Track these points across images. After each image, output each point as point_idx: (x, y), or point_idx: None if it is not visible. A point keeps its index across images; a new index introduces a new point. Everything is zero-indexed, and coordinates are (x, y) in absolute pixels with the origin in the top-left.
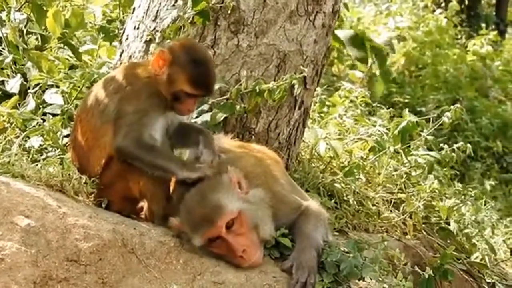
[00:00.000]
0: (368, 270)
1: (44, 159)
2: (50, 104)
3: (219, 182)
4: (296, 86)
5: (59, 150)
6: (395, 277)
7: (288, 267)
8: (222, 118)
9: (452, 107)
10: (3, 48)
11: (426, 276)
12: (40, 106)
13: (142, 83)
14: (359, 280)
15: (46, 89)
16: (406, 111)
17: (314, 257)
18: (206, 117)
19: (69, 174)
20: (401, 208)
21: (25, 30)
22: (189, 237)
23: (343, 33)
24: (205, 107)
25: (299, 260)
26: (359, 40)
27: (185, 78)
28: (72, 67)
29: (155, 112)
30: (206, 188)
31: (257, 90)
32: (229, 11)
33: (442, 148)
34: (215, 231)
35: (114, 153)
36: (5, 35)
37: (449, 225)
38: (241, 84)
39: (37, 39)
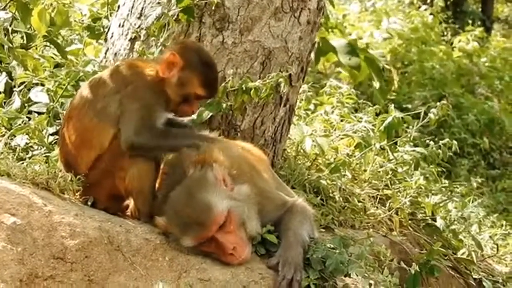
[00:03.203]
0: (354, 267)
1: (29, 157)
2: (36, 103)
3: (205, 180)
4: (282, 84)
5: (44, 148)
6: (381, 273)
7: (274, 264)
8: (208, 116)
9: (438, 103)
10: None
11: (413, 272)
12: (26, 105)
13: (144, 81)
14: (345, 276)
15: (32, 87)
16: (392, 107)
17: (300, 254)
18: (192, 115)
19: (54, 172)
20: (387, 205)
21: (10, 29)
22: (177, 237)
23: (336, 42)
24: None
25: (285, 257)
26: (352, 49)
27: (198, 81)
28: (57, 66)
29: (159, 109)
30: (192, 187)
31: (243, 88)
32: (213, 8)
33: (428, 145)
34: (207, 233)
35: (127, 150)
36: None
37: (435, 221)
38: (227, 82)
39: (22, 37)
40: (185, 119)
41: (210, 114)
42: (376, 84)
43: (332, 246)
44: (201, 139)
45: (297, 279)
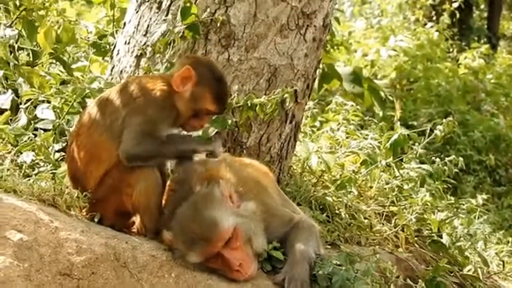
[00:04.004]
0: (361, 283)
1: (36, 174)
2: (42, 119)
3: (211, 196)
4: (287, 100)
5: (51, 165)
6: None
7: (280, 280)
8: (214, 133)
9: (444, 120)
10: None
11: None
12: (32, 122)
13: (152, 97)
14: None
15: (38, 104)
16: (398, 124)
17: (306, 270)
18: (198, 131)
19: (61, 189)
20: (393, 221)
21: (16, 46)
22: (183, 253)
23: (342, 69)
24: None
25: (291, 273)
26: (356, 77)
27: (210, 97)
28: (63, 82)
29: (164, 125)
30: (199, 203)
31: (249, 104)
32: (219, 25)
33: (434, 162)
34: (213, 249)
35: (124, 160)
36: None
37: (441, 238)
38: (232, 99)
39: (28, 54)
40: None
41: (216, 130)
42: (379, 112)
43: (338, 262)
44: (200, 144)
45: None
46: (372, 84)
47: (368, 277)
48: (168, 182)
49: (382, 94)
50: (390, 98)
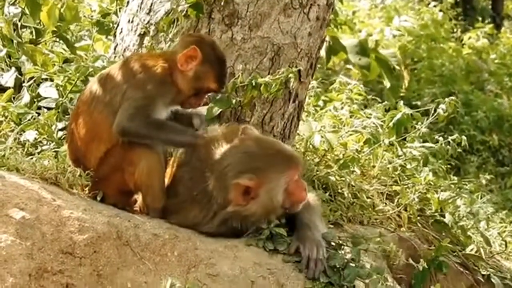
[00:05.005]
0: (374, 281)
1: (39, 153)
2: (45, 98)
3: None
4: (292, 80)
5: (53, 143)
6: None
7: (294, 248)
8: (218, 112)
9: (446, 99)
10: None
11: (421, 268)
12: (35, 100)
13: (152, 74)
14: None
15: (41, 82)
16: (401, 103)
17: (318, 232)
18: (202, 111)
19: (63, 167)
20: (396, 201)
21: (19, 24)
22: (272, 183)
23: (347, 42)
24: None
25: (304, 239)
26: (362, 49)
27: (214, 76)
28: (66, 61)
29: (163, 101)
30: (261, 139)
31: (253, 84)
32: (222, 4)
33: (437, 141)
34: (300, 170)
35: (118, 134)
36: None
37: (444, 217)
38: (237, 78)
39: (31, 32)
40: (195, 113)
41: (220, 110)
42: (387, 84)
43: (351, 256)
44: (196, 137)
45: (320, 257)
46: (378, 55)
47: (382, 275)
48: (171, 161)
49: (390, 64)
50: (397, 67)
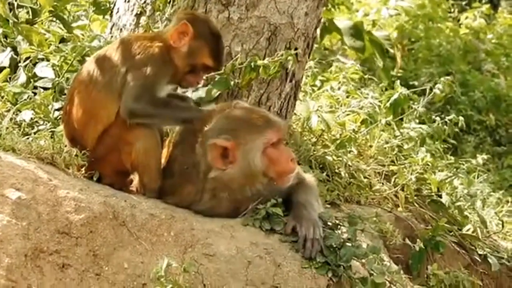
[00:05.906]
0: (371, 261)
1: (35, 133)
2: (41, 78)
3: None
4: (290, 62)
5: (50, 123)
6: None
7: (291, 228)
8: (217, 94)
9: (442, 78)
10: None
11: (418, 248)
12: (31, 80)
13: (152, 52)
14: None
15: (37, 62)
16: (398, 83)
17: (314, 211)
18: (201, 93)
19: (60, 147)
20: (393, 181)
21: (15, 4)
22: (247, 145)
23: (342, 23)
24: None
25: (300, 218)
26: (357, 31)
27: (207, 51)
28: (62, 40)
29: (163, 82)
30: (247, 108)
31: (252, 66)
32: None
33: (434, 121)
34: (278, 135)
35: (126, 116)
36: None
37: (441, 197)
38: (235, 60)
39: (27, 12)
40: (192, 97)
41: (219, 92)
42: (380, 63)
43: (348, 236)
44: (199, 112)
45: (316, 237)
46: (372, 37)
47: (378, 255)
48: (167, 141)
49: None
50: (391, 50)
